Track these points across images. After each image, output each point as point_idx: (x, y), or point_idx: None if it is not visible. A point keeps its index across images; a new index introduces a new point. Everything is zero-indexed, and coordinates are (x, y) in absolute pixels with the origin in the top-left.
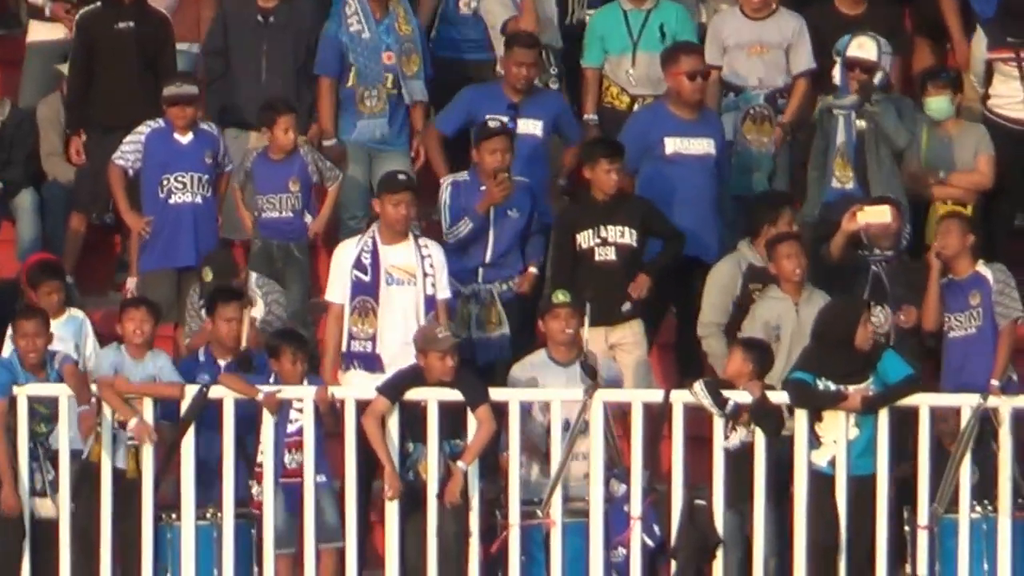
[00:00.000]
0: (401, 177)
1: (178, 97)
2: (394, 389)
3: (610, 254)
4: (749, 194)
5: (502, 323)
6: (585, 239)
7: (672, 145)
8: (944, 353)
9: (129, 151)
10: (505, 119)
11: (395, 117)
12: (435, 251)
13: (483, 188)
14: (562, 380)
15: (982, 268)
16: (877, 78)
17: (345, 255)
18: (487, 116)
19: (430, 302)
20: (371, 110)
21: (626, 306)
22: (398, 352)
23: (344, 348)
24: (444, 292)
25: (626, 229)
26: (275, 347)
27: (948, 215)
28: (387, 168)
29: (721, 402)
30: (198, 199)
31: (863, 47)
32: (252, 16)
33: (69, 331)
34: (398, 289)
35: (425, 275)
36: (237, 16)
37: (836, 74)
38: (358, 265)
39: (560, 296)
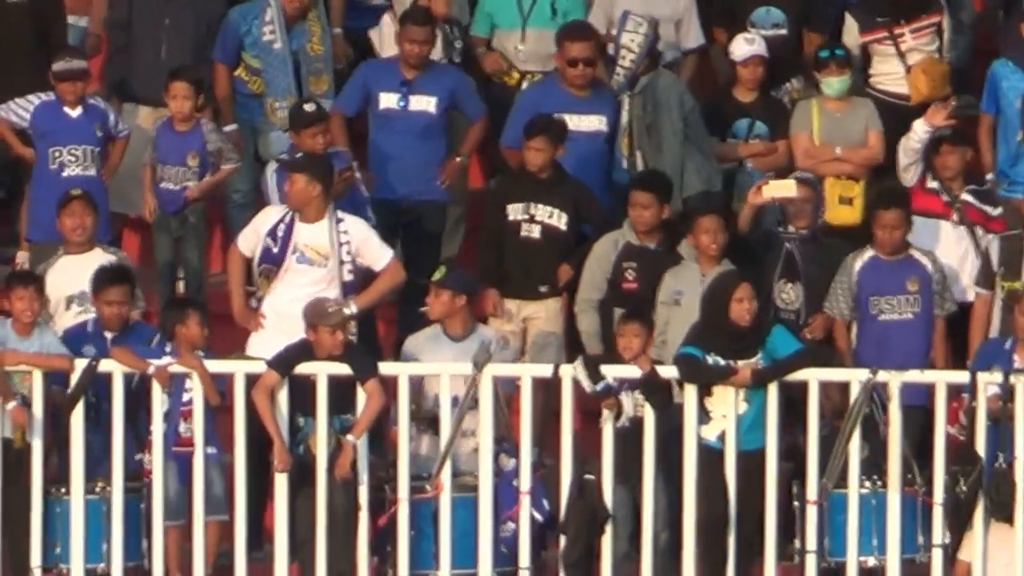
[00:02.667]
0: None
1: (67, 72)
2: (284, 363)
3: (535, 232)
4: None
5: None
6: (514, 212)
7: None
8: (861, 332)
9: (17, 109)
10: (393, 101)
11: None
12: (355, 228)
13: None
14: (455, 355)
15: (917, 253)
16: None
17: (266, 218)
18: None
19: (348, 287)
20: (282, 121)
21: (543, 288)
22: (297, 329)
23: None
24: (380, 262)
25: (556, 211)
26: (182, 311)
27: (887, 196)
28: (274, 144)
29: (596, 378)
30: (90, 172)
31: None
32: None
33: None
34: (308, 268)
35: (341, 262)
36: None
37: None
38: (271, 234)
39: (436, 274)
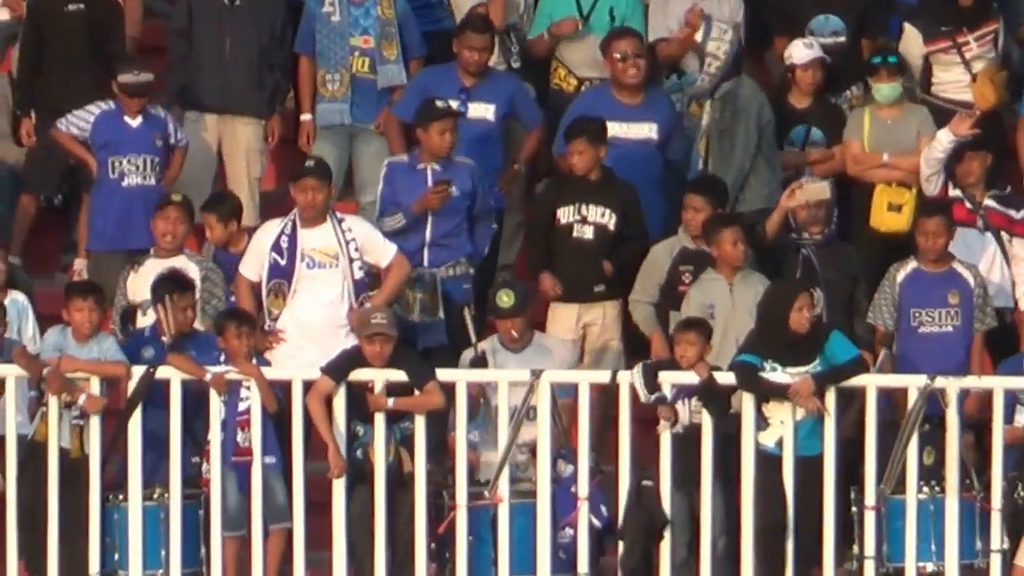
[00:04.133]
0: (308, 164)
1: (135, 86)
2: (338, 370)
3: (587, 233)
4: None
5: (440, 310)
6: (565, 215)
7: (612, 129)
8: (900, 344)
9: (77, 121)
10: (455, 103)
11: (365, 99)
12: (357, 227)
13: (424, 169)
14: (513, 365)
15: (960, 267)
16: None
17: (265, 236)
18: (432, 97)
19: (360, 285)
20: (332, 94)
21: (599, 287)
22: (325, 335)
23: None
24: (386, 258)
25: (607, 211)
26: (220, 325)
27: (929, 204)
28: (365, 147)
29: (652, 387)
30: (150, 181)
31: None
32: None
33: (11, 314)
34: (320, 272)
35: (351, 259)
36: None
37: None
38: (276, 247)
39: (505, 299)
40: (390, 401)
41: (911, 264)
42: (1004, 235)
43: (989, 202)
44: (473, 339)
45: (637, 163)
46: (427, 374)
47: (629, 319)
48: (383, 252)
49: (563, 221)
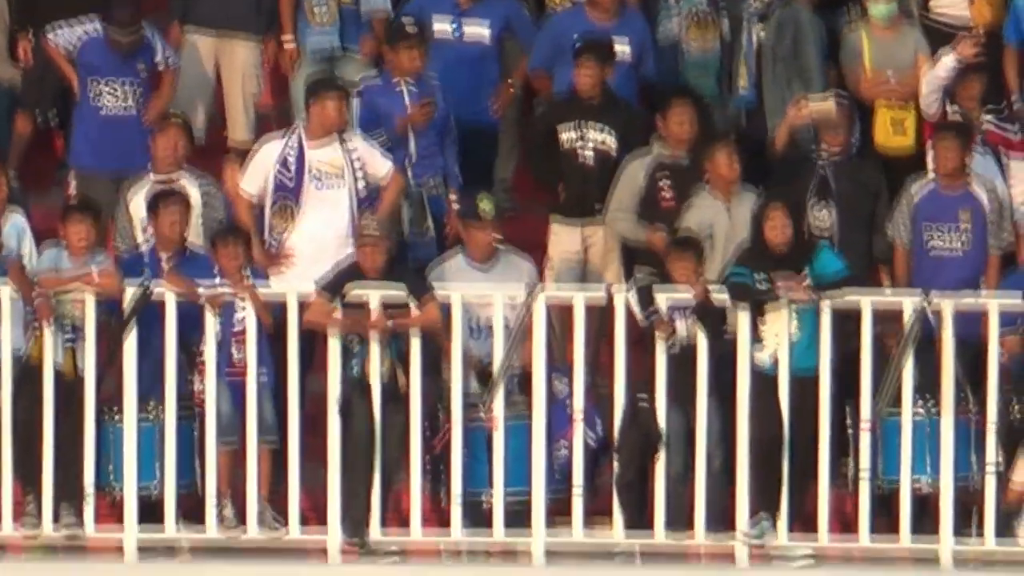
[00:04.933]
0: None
1: (128, 44)
2: (333, 286)
3: (588, 153)
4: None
5: (428, 223)
6: (567, 135)
7: None
8: (913, 260)
9: (65, 36)
10: (447, 28)
11: (348, 29)
12: (357, 141)
13: (399, 87)
14: (483, 284)
15: (976, 186)
16: None
17: (268, 152)
18: (403, 16)
19: (363, 202)
20: (320, 23)
21: (599, 206)
22: (335, 253)
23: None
24: (383, 172)
25: (608, 131)
26: (215, 241)
27: (945, 129)
28: (348, 72)
29: (647, 306)
30: (129, 110)
31: None
32: None
33: (10, 233)
34: (328, 192)
35: (355, 175)
36: None
37: None
38: (282, 165)
39: (485, 206)
40: (389, 321)
41: (926, 180)
42: (1002, 155)
43: (987, 119)
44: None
45: (615, 81)
46: (424, 288)
47: None
48: (381, 167)
49: (565, 144)
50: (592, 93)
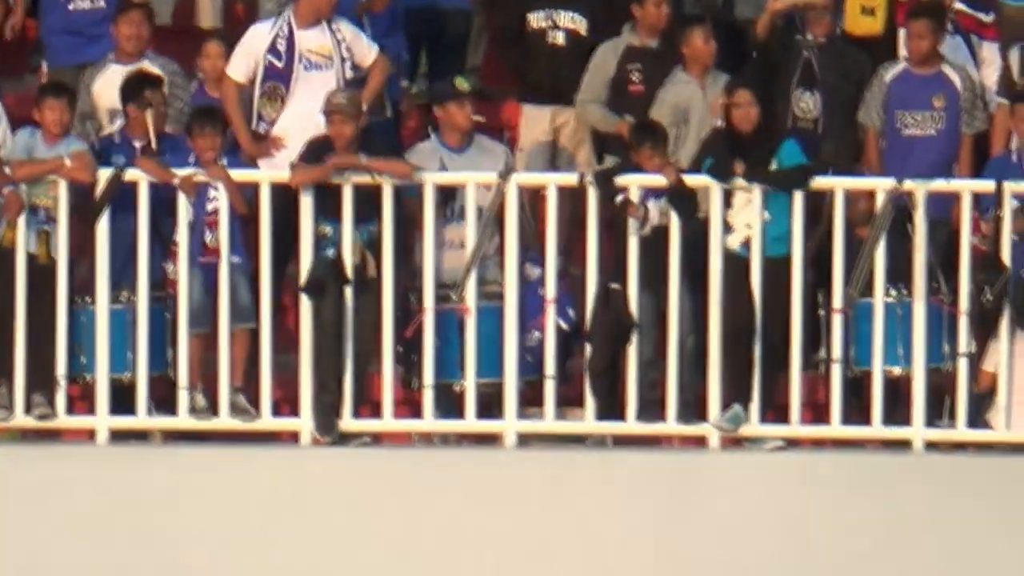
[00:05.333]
0: None
1: None
2: (305, 156)
3: (560, 39)
4: None
5: (387, 106)
6: (536, 19)
7: None
8: (886, 145)
9: None
10: None
11: None
12: (345, 27)
13: None
14: (458, 167)
15: (948, 69)
16: None
17: (258, 37)
18: None
19: (349, 84)
20: None
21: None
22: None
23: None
24: (369, 57)
25: (577, 16)
26: (191, 126)
27: (917, 13)
28: None
29: (611, 192)
30: (98, 3)
31: None
32: None
33: None
34: (317, 74)
35: (343, 59)
36: None
37: None
38: (272, 50)
39: (463, 83)
40: (362, 157)
41: (899, 65)
42: (973, 38)
43: (959, 4)
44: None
45: None
46: (396, 154)
47: None
48: (367, 51)
49: (534, 26)
50: None
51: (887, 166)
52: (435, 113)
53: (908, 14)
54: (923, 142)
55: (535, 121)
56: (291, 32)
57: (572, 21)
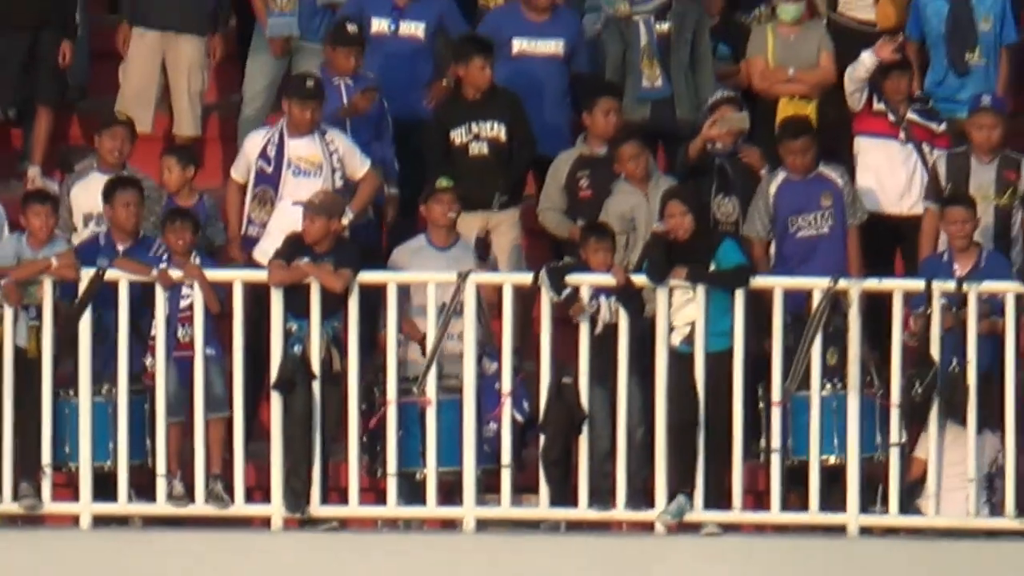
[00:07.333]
0: (309, 84)
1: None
2: (281, 254)
3: (483, 148)
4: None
5: (368, 211)
6: (459, 135)
7: (519, 46)
8: (780, 249)
9: None
10: (384, 26)
11: (307, 14)
12: (339, 139)
13: (337, 83)
14: (441, 264)
15: (826, 170)
16: None
17: (252, 143)
18: (342, 17)
19: (338, 192)
20: (281, 7)
21: (500, 199)
22: None
23: (242, 231)
24: (362, 168)
25: (496, 123)
26: (164, 222)
27: (791, 127)
28: (305, 64)
29: (559, 288)
30: None
31: None
32: None
33: None
34: (305, 180)
35: (333, 169)
36: None
37: None
38: (263, 156)
39: (443, 182)
40: (304, 262)
41: (780, 175)
42: (925, 146)
43: (912, 116)
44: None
45: (544, 77)
46: (350, 264)
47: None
48: (359, 165)
49: (458, 141)
50: (480, 90)
51: (790, 270)
52: (420, 211)
53: (785, 134)
54: (819, 240)
55: (470, 226)
56: (282, 139)
57: (492, 130)
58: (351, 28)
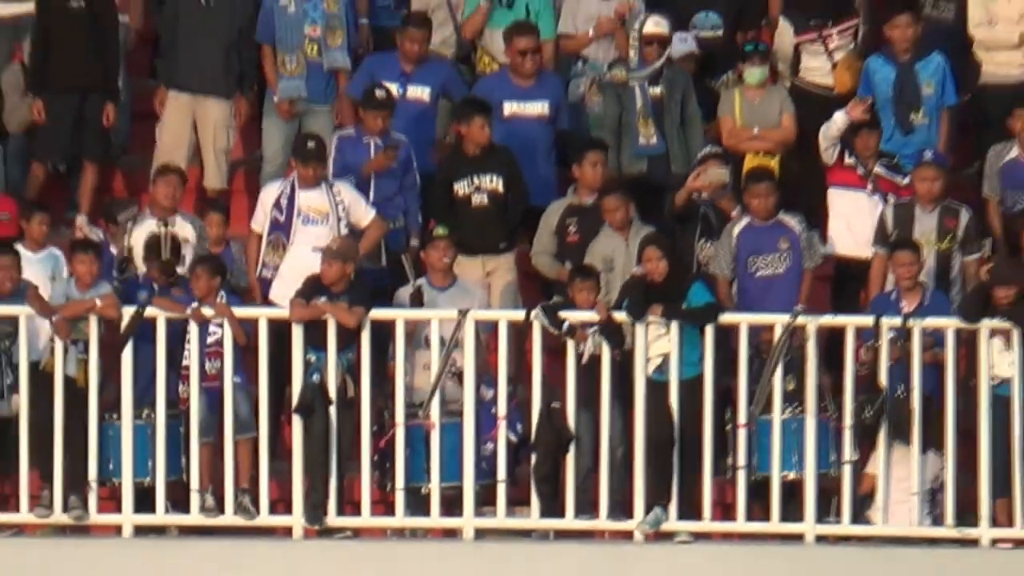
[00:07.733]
0: (310, 146)
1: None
2: (302, 294)
3: (484, 199)
4: None
5: (382, 258)
6: (462, 187)
7: (509, 108)
8: (741, 287)
9: None
10: (393, 90)
11: (315, 79)
12: (346, 191)
13: (367, 141)
14: (441, 302)
15: (785, 217)
16: (667, 51)
17: (268, 195)
18: (371, 84)
19: (352, 235)
20: (290, 72)
21: (503, 244)
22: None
23: (257, 273)
24: (367, 216)
25: (495, 176)
26: (192, 269)
27: (756, 173)
28: (314, 124)
29: (557, 323)
30: None
31: (659, 25)
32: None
33: (48, 264)
34: (313, 228)
35: (339, 218)
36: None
37: (631, 52)
38: (276, 206)
39: (440, 230)
40: (322, 299)
41: (744, 220)
42: (891, 197)
43: (879, 169)
44: (411, 277)
45: (533, 136)
46: (362, 302)
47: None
48: (364, 214)
49: (461, 193)
50: (481, 147)
51: (749, 306)
52: (421, 256)
53: (750, 179)
54: (775, 280)
55: (470, 268)
56: (293, 191)
57: (491, 182)
58: (380, 94)
